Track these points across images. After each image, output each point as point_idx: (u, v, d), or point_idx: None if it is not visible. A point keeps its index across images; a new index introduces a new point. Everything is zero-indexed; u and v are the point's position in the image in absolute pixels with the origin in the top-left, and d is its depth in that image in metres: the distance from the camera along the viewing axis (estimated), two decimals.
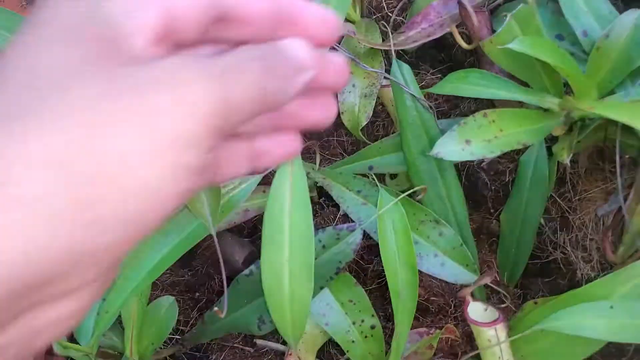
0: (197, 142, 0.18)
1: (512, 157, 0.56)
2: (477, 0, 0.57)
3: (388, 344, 0.49)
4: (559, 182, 0.55)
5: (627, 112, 0.38)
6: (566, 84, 0.46)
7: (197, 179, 0.19)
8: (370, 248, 0.56)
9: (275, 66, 0.20)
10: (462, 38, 0.55)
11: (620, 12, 0.58)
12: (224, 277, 0.41)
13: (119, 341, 0.53)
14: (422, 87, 0.55)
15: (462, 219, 0.52)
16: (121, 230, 0.17)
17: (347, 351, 0.48)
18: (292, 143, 0.24)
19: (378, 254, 0.46)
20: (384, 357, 0.49)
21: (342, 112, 0.56)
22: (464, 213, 0.52)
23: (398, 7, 0.62)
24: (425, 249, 0.47)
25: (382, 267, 0.46)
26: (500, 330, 0.44)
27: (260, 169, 0.25)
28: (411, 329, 0.48)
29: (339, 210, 0.55)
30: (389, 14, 0.62)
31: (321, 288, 0.46)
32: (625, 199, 0.50)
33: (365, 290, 0.51)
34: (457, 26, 0.54)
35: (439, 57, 0.63)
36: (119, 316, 0.49)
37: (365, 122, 0.55)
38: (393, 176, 0.59)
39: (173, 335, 0.57)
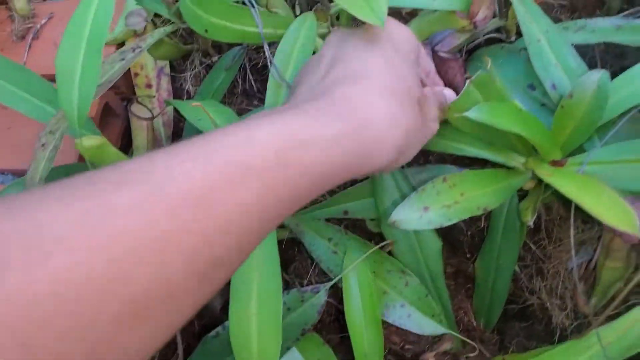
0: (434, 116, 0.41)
1: None
2: (453, 44, 0.57)
3: None
4: (535, 228, 0.55)
5: (577, 186, 0.38)
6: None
7: None
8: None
9: (443, 103, 0.43)
10: None
11: (605, 64, 0.59)
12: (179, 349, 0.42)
13: None
14: None
15: (435, 268, 0.52)
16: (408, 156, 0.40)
17: None
18: None
19: None
20: None
21: None
22: (438, 262, 0.52)
23: None
24: (392, 300, 0.48)
25: None
26: None
27: None
28: None
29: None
30: None
31: (288, 348, 0.46)
32: (595, 251, 0.50)
33: (341, 337, 0.52)
34: None
35: None
36: None
37: None
38: (374, 218, 0.60)
39: None
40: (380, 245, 0.48)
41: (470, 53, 0.61)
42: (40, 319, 0.19)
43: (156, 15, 0.69)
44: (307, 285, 0.55)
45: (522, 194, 0.53)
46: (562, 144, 0.44)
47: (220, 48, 0.68)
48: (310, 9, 0.66)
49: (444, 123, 0.49)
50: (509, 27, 0.60)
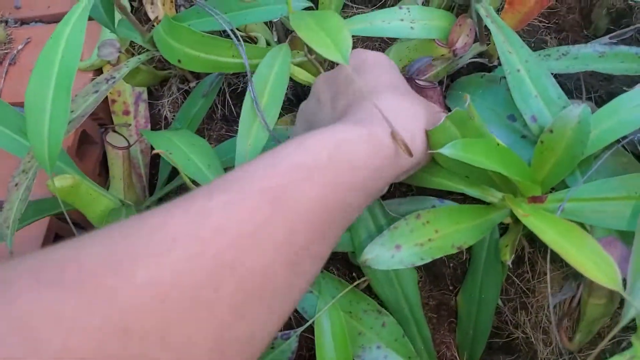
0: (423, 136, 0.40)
1: None
2: (431, 72, 0.56)
3: None
4: (518, 261, 0.54)
5: (556, 231, 0.36)
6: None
7: None
8: None
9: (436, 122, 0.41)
10: None
11: (591, 89, 0.57)
12: None
13: None
14: None
15: (413, 299, 0.51)
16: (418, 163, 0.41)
17: None
18: None
19: None
20: None
21: None
22: (415, 293, 0.51)
23: None
24: (368, 341, 0.46)
25: None
26: None
27: None
28: None
29: None
30: None
31: None
32: (578, 287, 0.49)
33: None
34: None
35: None
36: None
37: None
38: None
39: None
40: (356, 283, 0.46)
41: (452, 79, 0.59)
42: (166, 305, 0.23)
43: (132, 42, 0.68)
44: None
45: (504, 227, 0.51)
46: (542, 179, 0.43)
47: (198, 74, 0.67)
48: (286, 34, 0.65)
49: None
50: (491, 52, 0.58)
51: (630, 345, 0.36)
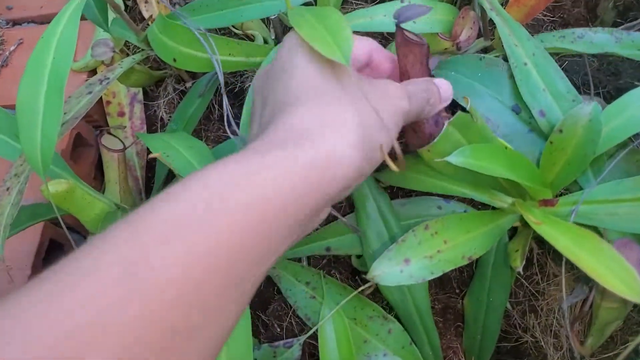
0: (398, 123, 0.33)
1: None
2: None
3: None
4: (527, 263, 0.52)
5: (571, 239, 0.34)
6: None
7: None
8: None
9: (430, 97, 0.36)
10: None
11: (599, 84, 0.56)
12: None
13: None
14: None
15: (422, 304, 0.49)
16: (373, 164, 0.31)
17: None
18: None
19: None
20: None
21: None
22: (426, 300, 0.49)
23: None
24: (374, 349, 0.45)
25: None
26: None
27: None
28: None
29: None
30: None
31: None
32: (591, 289, 0.47)
33: None
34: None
35: None
36: None
37: None
38: (360, 255, 0.56)
39: None
40: (360, 289, 0.45)
41: None
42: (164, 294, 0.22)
43: (127, 42, 0.66)
44: (287, 327, 0.52)
45: (513, 228, 0.49)
46: (551, 181, 0.41)
47: (194, 73, 0.65)
48: (284, 31, 0.64)
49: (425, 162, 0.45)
50: (495, 47, 0.57)
51: None
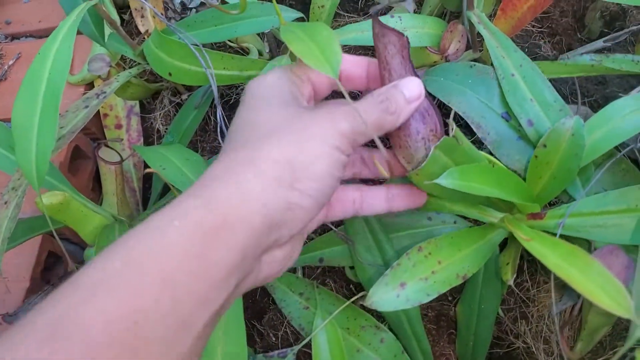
0: (343, 149, 0.33)
1: None
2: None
3: None
4: (518, 270, 0.53)
5: (560, 256, 0.35)
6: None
7: (342, 173, 0.33)
8: None
9: (390, 106, 0.35)
10: None
11: (586, 93, 0.57)
12: None
13: None
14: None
15: (413, 314, 0.50)
16: (311, 198, 0.31)
17: None
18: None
19: None
20: None
21: None
22: (416, 309, 0.50)
23: None
24: (367, 358, 0.45)
25: None
26: None
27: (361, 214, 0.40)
28: None
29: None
30: None
31: None
32: (579, 296, 0.48)
33: None
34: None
35: None
36: None
37: None
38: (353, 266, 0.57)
39: None
40: (353, 299, 0.45)
41: None
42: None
43: (123, 56, 0.67)
44: (282, 336, 0.53)
45: (504, 239, 0.50)
46: (538, 193, 0.42)
47: (190, 86, 0.66)
48: (278, 45, 0.65)
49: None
50: (484, 59, 0.58)
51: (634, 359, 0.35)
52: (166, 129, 0.67)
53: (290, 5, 0.72)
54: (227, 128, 0.67)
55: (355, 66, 0.40)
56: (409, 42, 0.39)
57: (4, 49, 0.74)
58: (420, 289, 0.39)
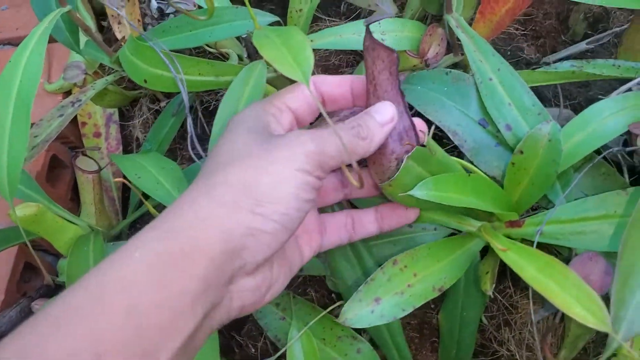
0: (310, 170, 0.33)
1: None
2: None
3: None
4: (500, 275, 0.52)
5: (537, 267, 0.34)
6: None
7: (313, 196, 0.33)
8: None
9: (361, 131, 0.35)
10: None
11: (569, 95, 0.56)
12: None
13: None
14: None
15: (395, 325, 0.49)
16: (275, 222, 0.31)
17: None
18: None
19: None
20: None
21: None
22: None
23: None
24: None
25: None
26: None
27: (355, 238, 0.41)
28: None
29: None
30: None
31: None
32: None
33: None
34: None
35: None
36: None
37: None
38: None
39: None
40: (329, 309, 0.44)
41: None
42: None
43: (102, 64, 0.66)
44: (261, 347, 0.52)
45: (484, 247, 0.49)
46: (516, 200, 0.41)
47: (168, 93, 0.65)
48: (256, 50, 0.64)
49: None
50: (466, 63, 0.57)
51: None
52: (145, 136, 0.66)
53: (271, 10, 0.71)
54: (205, 136, 0.66)
55: (338, 87, 0.41)
56: (398, 59, 0.39)
57: None
58: (396, 303, 0.38)
